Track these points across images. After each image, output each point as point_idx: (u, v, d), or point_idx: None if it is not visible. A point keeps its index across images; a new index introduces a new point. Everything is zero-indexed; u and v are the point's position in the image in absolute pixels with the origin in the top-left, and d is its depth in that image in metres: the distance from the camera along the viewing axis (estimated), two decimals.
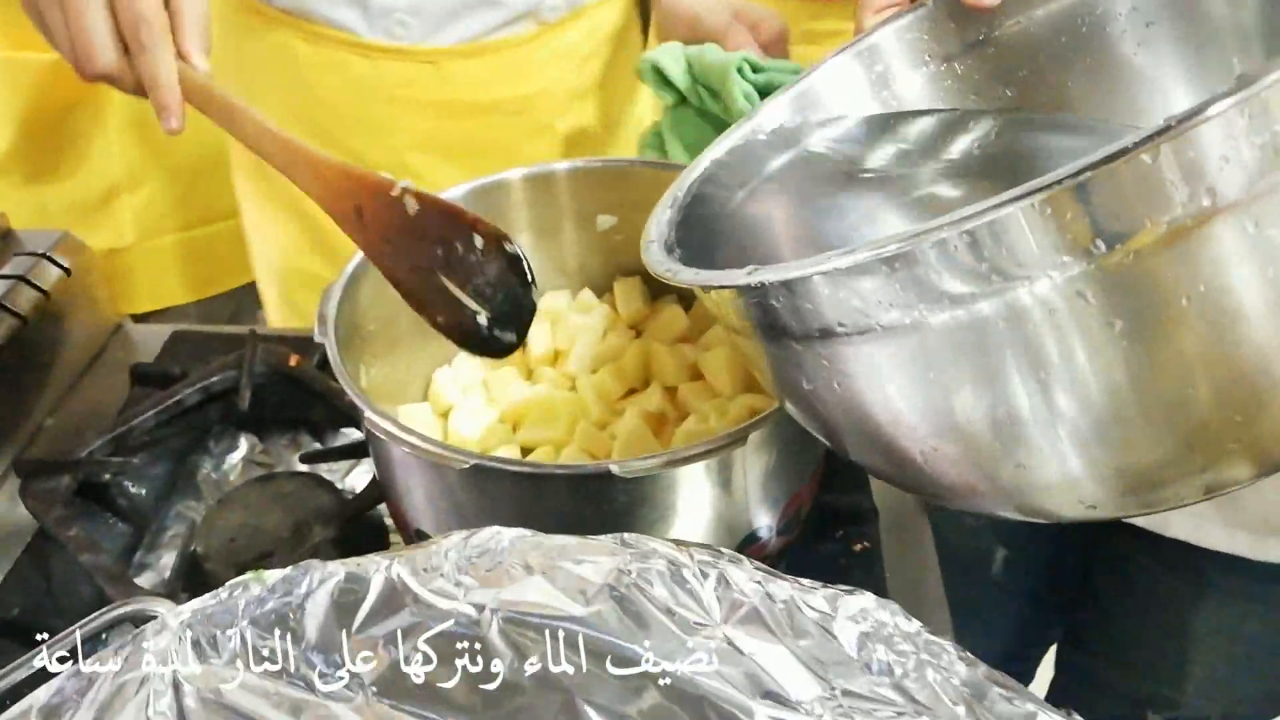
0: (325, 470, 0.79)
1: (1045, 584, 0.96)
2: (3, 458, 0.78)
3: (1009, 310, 0.33)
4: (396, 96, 0.86)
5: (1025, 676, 1.05)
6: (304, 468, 0.79)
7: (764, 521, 0.57)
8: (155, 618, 0.35)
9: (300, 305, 1.00)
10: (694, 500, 0.52)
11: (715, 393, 0.66)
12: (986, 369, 0.35)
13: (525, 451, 0.64)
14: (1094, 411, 0.34)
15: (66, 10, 0.58)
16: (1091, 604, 0.91)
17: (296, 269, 0.98)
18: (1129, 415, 0.34)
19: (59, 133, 1.04)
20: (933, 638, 0.33)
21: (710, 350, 0.68)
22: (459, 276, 0.55)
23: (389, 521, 0.73)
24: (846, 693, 0.31)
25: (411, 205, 0.55)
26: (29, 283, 0.85)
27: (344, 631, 0.33)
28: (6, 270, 0.85)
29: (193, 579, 0.69)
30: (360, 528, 0.71)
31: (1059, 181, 0.31)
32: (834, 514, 0.70)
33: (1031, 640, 1.04)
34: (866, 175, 0.50)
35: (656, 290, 0.73)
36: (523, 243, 0.71)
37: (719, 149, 0.53)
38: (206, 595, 0.35)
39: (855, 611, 0.33)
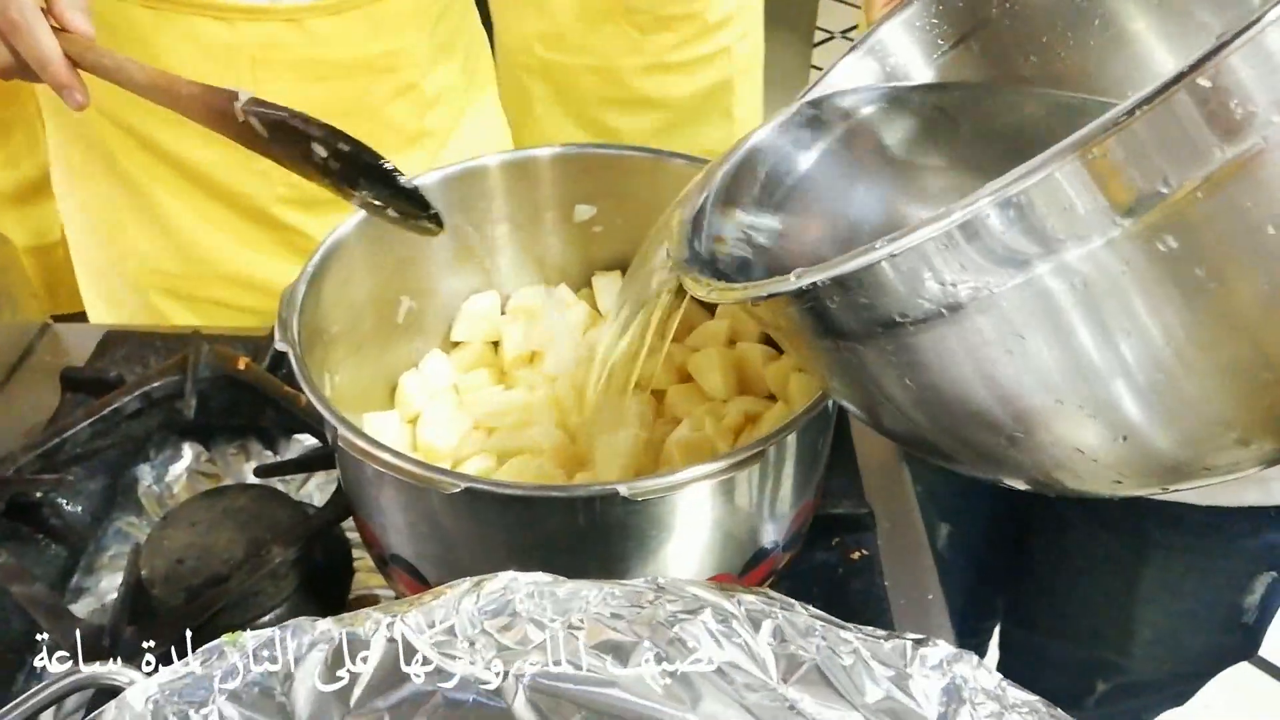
0: (279, 482, 0.73)
1: (986, 557, 0.95)
2: None
3: (1087, 265, 0.31)
4: (258, 60, 0.80)
5: (980, 651, 1.05)
6: (257, 480, 0.73)
7: (772, 537, 0.53)
8: (117, 688, 0.30)
9: (159, 308, 0.93)
10: (702, 519, 0.48)
11: (706, 396, 0.62)
12: (1062, 334, 0.33)
13: (500, 460, 0.59)
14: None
15: None
16: (1030, 577, 0.91)
17: (157, 270, 0.90)
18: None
19: None
20: (1018, 691, 0.29)
21: (700, 351, 0.63)
22: (338, 182, 0.55)
23: (354, 535, 0.67)
24: None
25: (259, 128, 0.55)
26: None
27: (342, 706, 0.29)
28: None
29: (139, 607, 0.63)
30: (324, 547, 0.65)
31: (1115, 122, 0.28)
32: (830, 523, 0.66)
33: (982, 615, 1.04)
34: (893, 163, 0.46)
35: None
36: (499, 234, 0.66)
37: (728, 164, 0.49)
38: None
39: (932, 666, 0.29)
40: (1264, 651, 1.69)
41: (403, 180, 0.54)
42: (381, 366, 0.65)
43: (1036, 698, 0.29)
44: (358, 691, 0.29)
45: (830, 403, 0.50)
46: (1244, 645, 0.84)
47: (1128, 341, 0.32)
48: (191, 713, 0.28)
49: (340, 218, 0.59)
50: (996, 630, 1.04)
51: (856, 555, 0.67)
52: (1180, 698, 0.92)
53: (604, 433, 0.60)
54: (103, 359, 0.81)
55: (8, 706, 0.32)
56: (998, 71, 0.52)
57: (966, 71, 0.52)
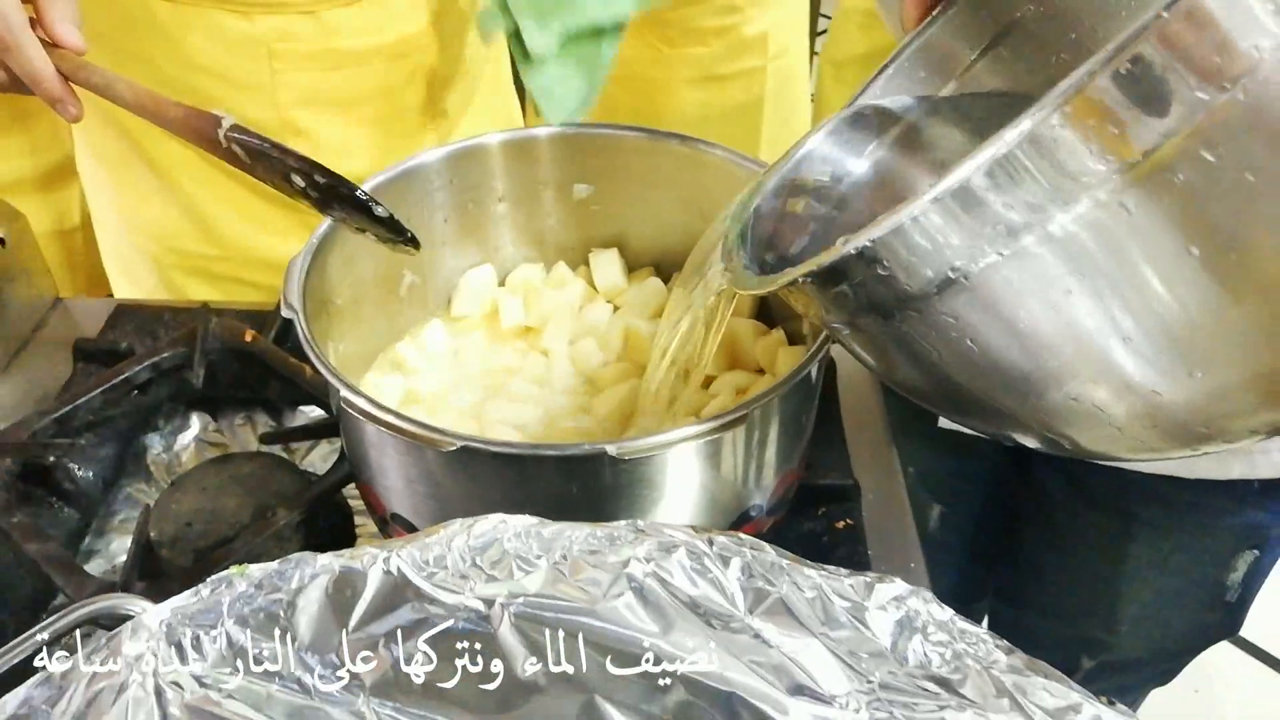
0: (283, 452, 0.75)
1: (977, 537, 0.97)
2: None
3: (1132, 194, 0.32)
4: (276, 50, 0.83)
5: None
6: (262, 448, 0.76)
7: (756, 500, 0.55)
8: (130, 617, 0.32)
9: (179, 285, 0.95)
10: (688, 480, 0.50)
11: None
12: (1120, 275, 0.34)
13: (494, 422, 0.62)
14: None
15: None
16: (1019, 556, 0.93)
17: (176, 250, 0.93)
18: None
19: (7, 110, 0.99)
20: (967, 626, 0.32)
21: None
22: (318, 206, 0.57)
23: (355, 503, 0.70)
24: (884, 686, 0.29)
25: (241, 154, 0.56)
26: None
27: (341, 630, 0.31)
28: None
29: (148, 567, 0.65)
30: (326, 512, 0.68)
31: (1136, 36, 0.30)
32: (816, 493, 0.69)
33: (973, 594, 1.06)
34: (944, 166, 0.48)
35: (634, 263, 0.71)
36: (499, 212, 0.68)
37: (782, 169, 0.51)
38: (187, 592, 0.32)
39: (887, 600, 0.32)
40: (1253, 636, 1.72)
41: (379, 210, 0.56)
42: (384, 338, 0.67)
43: (985, 631, 0.32)
44: (355, 617, 0.31)
45: (812, 373, 0.53)
46: (1227, 623, 0.86)
47: (1147, 294, 0.34)
48: (201, 634, 0.31)
49: None
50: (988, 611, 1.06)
51: (841, 525, 0.69)
52: (1165, 676, 0.94)
53: (602, 407, 0.62)
54: (114, 331, 0.83)
55: (31, 630, 0.34)
56: (1031, 74, 0.53)
57: (999, 78, 0.53)
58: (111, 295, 1.04)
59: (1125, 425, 0.37)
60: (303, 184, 0.56)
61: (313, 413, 0.78)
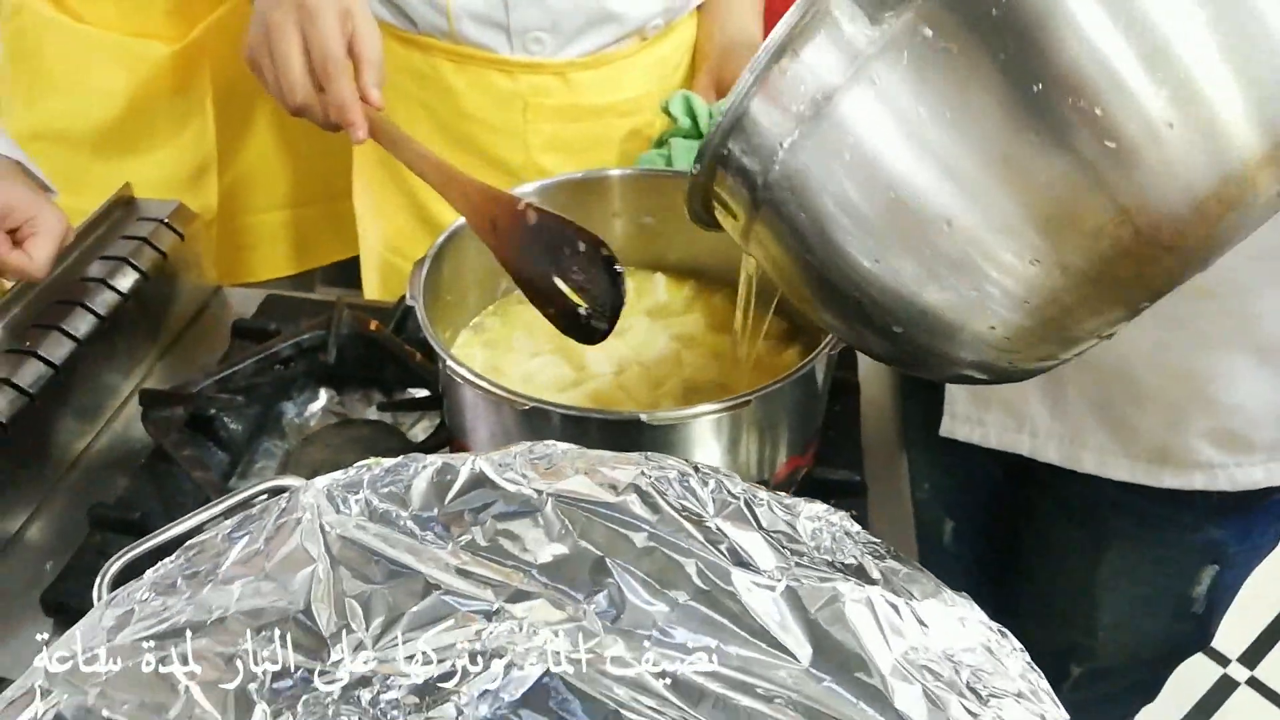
0: (393, 420, 0.92)
1: (985, 551, 1.08)
2: (127, 387, 0.92)
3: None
4: (530, 104, 1.03)
5: None
6: (376, 416, 0.92)
7: (764, 475, 0.69)
8: (295, 490, 0.48)
9: (391, 285, 1.15)
10: (704, 448, 0.64)
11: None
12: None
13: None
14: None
15: (274, 58, 0.76)
16: (1015, 567, 1.03)
17: (397, 249, 1.13)
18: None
19: (162, 113, 1.18)
20: (871, 538, 0.45)
21: None
22: (566, 275, 0.70)
23: None
24: (799, 565, 0.43)
25: (531, 217, 0.70)
26: (150, 244, 0.99)
27: (440, 503, 0.46)
28: (131, 232, 0.99)
29: None
30: None
31: None
32: (826, 486, 0.82)
33: (984, 605, 1.16)
34: None
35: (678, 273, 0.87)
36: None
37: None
38: (337, 472, 0.48)
39: (814, 514, 0.46)
40: (1262, 676, 1.78)
41: (621, 289, 0.68)
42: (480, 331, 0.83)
43: (882, 542, 0.45)
44: (449, 496, 0.46)
45: (816, 371, 0.67)
46: (1197, 635, 0.96)
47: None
48: (349, 497, 0.46)
49: None
50: None
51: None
52: (1148, 688, 1.04)
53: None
54: (265, 315, 1.02)
55: (227, 494, 0.50)
56: None
57: None
58: (251, 282, 1.24)
59: (978, 309, 0.46)
60: (569, 251, 0.68)
61: (420, 393, 0.95)
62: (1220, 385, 0.81)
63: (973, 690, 0.38)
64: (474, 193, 0.72)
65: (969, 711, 0.38)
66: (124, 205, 1.03)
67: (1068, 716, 0.37)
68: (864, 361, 0.94)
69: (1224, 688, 1.88)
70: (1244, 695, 1.88)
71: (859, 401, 0.90)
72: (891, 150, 0.44)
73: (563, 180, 0.80)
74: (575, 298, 0.70)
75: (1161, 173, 0.41)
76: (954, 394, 0.93)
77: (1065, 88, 0.40)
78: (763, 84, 0.47)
